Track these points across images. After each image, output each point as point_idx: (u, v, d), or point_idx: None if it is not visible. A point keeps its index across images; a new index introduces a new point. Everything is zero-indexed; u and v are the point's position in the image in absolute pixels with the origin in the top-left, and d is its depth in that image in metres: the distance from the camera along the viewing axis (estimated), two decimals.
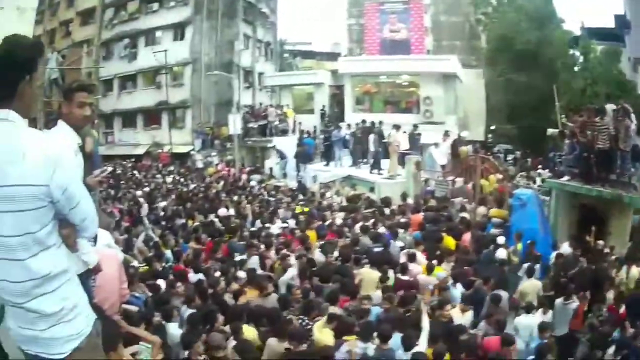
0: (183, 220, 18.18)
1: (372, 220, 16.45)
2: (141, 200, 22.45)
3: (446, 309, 9.88)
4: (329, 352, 7.96)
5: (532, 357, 9.16)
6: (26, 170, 3.00)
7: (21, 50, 3.14)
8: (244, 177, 31.35)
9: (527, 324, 10.41)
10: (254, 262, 12.68)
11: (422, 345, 8.25)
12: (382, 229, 15.54)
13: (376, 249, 13.52)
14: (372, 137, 26.62)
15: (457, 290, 11.44)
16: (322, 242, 14.32)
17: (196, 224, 17.76)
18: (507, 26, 46.70)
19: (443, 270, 12.13)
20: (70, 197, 3.20)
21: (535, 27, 43.43)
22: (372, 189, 24.02)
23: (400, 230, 15.40)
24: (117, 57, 51.39)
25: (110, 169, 6.29)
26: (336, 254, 13.26)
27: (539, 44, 42.07)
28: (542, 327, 9.91)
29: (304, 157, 30.34)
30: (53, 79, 34.20)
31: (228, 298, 10.48)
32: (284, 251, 13.33)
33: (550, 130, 22.89)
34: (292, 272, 12.06)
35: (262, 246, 14.11)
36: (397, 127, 26.05)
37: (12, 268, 3.12)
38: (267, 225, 17.09)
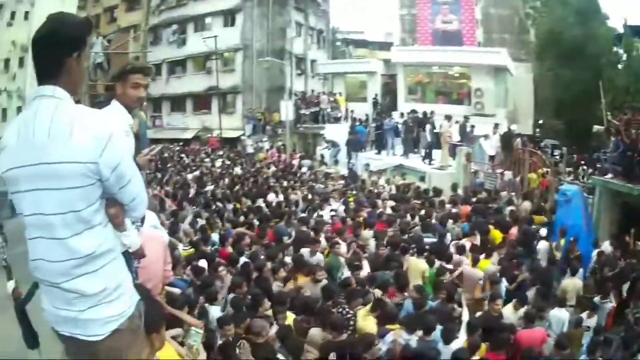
0: (231, 205, 18.07)
1: (423, 211, 16.45)
2: (190, 183, 22.69)
3: (497, 303, 9.83)
4: (370, 340, 7.90)
5: (584, 357, 9.39)
6: (73, 147, 2.95)
7: (67, 27, 3.13)
8: (295, 162, 31.43)
9: (560, 317, 10.49)
10: (318, 259, 12.04)
11: (461, 338, 8.35)
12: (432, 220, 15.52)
13: (427, 239, 13.46)
14: (428, 127, 26.77)
15: (502, 285, 11.36)
16: (375, 231, 14.26)
17: (244, 208, 17.65)
18: (554, 21, 46.31)
19: (491, 264, 12.10)
20: (120, 175, 3.14)
21: (581, 23, 43.09)
22: (422, 179, 24.09)
23: (449, 221, 15.43)
24: (166, 43, 52.14)
25: (159, 147, 6.17)
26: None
27: (585, 40, 41.54)
28: (598, 329, 10.10)
29: (355, 145, 30.36)
30: (98, 63, 34.62)
31: (276, 286, 10.38)
32: (336, 239, 12.94)
33: (596, 127, 22.85)
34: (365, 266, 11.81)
35: (312, 233, 13.89)
36: (448, 117, 26.21)
37: (51, 247, 3.07)
38: (319, 212, 16.96)
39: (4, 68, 40.19)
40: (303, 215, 16.49)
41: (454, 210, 16.79)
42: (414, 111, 30.13)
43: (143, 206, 3.49)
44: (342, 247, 12.48)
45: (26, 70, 41.19)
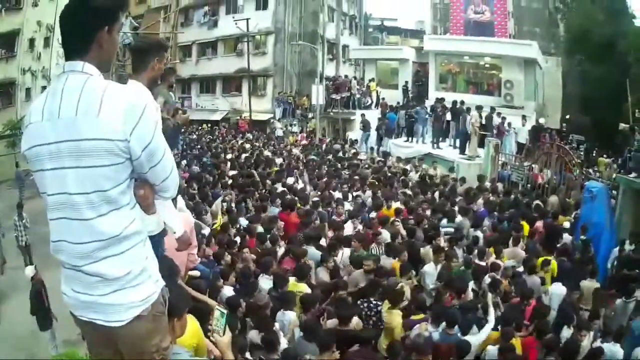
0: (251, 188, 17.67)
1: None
2: (218, 165, 22.56)
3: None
4: (368, 337, 8.25)
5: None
6: (102, 123, 2.84)
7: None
8: (337, 147, 30.68)
9: (559, 293, 10.79)
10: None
11: (483, 334, 8.51)
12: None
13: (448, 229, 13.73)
14: (468, 118, 26.12)
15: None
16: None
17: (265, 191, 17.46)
18: (583, 17, 46.09)
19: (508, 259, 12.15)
20: (151, 153, 3.04)
21: (610, 21, 43.08)
22: (451, 169, 24.24)
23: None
24: (197, 24, 52.21)
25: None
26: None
27: (613, 38, 41.51)
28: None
29: (386, 131, 30.56)
30: (127, 43, 34.92)
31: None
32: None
33: (622, 125, 22.86)
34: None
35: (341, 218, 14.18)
36: (479, 108, 26.15)
37: (74, 228, 2.97)
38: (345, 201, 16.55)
39: (29, 48, 40.31)
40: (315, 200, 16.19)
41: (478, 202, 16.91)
42: (441, 99, 30.01)
43: (174, 187, 3.36)
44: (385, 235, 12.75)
45: (51, 50, 41.51)
